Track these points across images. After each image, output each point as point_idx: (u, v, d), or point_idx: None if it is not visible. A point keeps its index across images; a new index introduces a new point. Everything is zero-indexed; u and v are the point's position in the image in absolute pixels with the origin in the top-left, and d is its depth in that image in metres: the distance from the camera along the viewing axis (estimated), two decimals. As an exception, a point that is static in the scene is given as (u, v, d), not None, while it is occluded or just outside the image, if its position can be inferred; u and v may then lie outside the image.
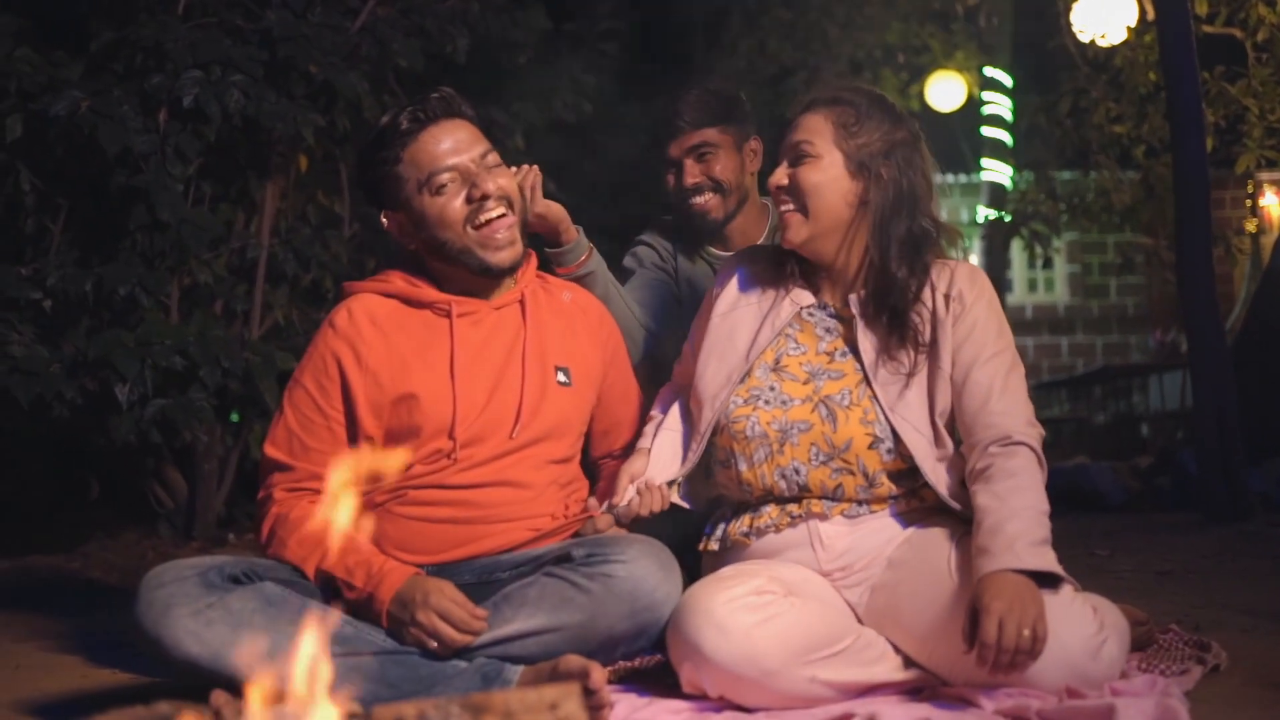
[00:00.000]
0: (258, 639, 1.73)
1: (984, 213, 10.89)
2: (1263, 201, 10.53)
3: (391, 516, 1.97)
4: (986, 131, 11.39)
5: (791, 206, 1.98)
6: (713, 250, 2.66)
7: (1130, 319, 13.69)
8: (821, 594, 1.89)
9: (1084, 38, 6.45)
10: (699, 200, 2.57)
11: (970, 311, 1.94)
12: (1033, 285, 14.13)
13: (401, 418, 1.96)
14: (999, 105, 11.24)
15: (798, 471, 1.92)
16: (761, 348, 2.01)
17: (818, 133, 1.97)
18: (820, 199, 1.95)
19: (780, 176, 1.99)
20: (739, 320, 2.06)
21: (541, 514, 2.01)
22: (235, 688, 1.69)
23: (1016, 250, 10.15)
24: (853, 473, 1.91)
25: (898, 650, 1.86)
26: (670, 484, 2.04)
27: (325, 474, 1.92)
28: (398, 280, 2.05)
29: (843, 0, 8.59)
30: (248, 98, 3.66)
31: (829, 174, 1.95)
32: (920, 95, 10.71)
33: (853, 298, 2.00)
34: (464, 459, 1.96)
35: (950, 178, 13.91)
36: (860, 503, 1.92)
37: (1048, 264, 12.76)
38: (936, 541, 1.87)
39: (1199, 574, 3.13)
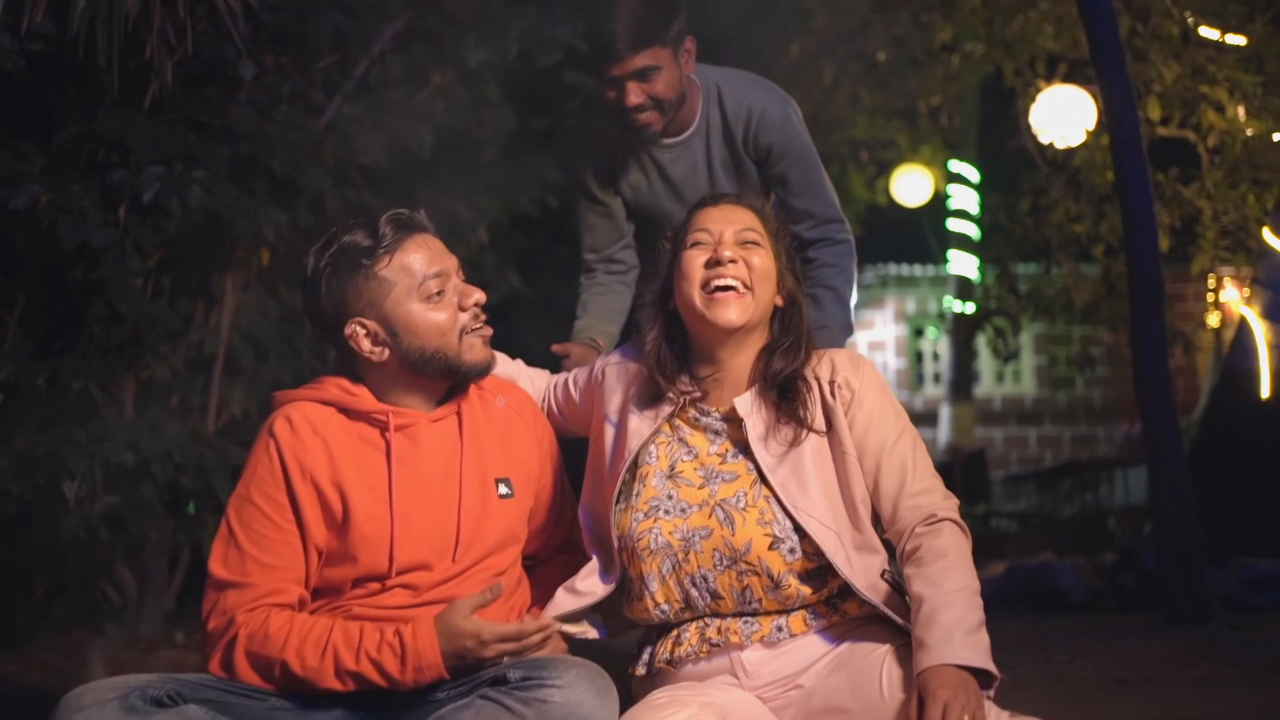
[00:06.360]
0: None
1: (953, 305, 11.00)
2: (1224, 296, 10.68)
3: None
4: (953, 225, 11.56)
5: (742, 285, 1.96)
6: (662, 141, 2.68)
7: (1097, 411, 13.81)
8: (756, 717, 1.85)
9: (1044, 139, 6.60)
10: (641, 117, 2.59)
11: (862, 399, 1.95)
12: (1000, 377, 14.24)
13: (339, 539, 1.91)
14: (965, 199, 11.42)
15: (705, 579, 1.90)
16: (633, 450, 1.99)
17: (755, 224, 2.02)
18: (766, 286, 1.99)
19: (731, 253, 1.95)
20: (621, 427, 2.03)
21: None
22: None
23: (983, 342, 10.25)
24: (758, 574, 1.89)
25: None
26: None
27: (286, 589, 1.89)
28: (333, 388, 2.00)
29: (808, 99, 8.73)
30: (209, 193, 3.67)
31: (770, 264, 2.00)
32: (887, 189, 10.87)
33: (739, 400, 1.97)
34: (404, 585, 1.92)
35: (918, 269, 14.11)
36: (779, 627, 1.89)
37: (1014, 356, 12.90)
38: (869, 659, 1.84)
39: (1156, 682, 3.11)
